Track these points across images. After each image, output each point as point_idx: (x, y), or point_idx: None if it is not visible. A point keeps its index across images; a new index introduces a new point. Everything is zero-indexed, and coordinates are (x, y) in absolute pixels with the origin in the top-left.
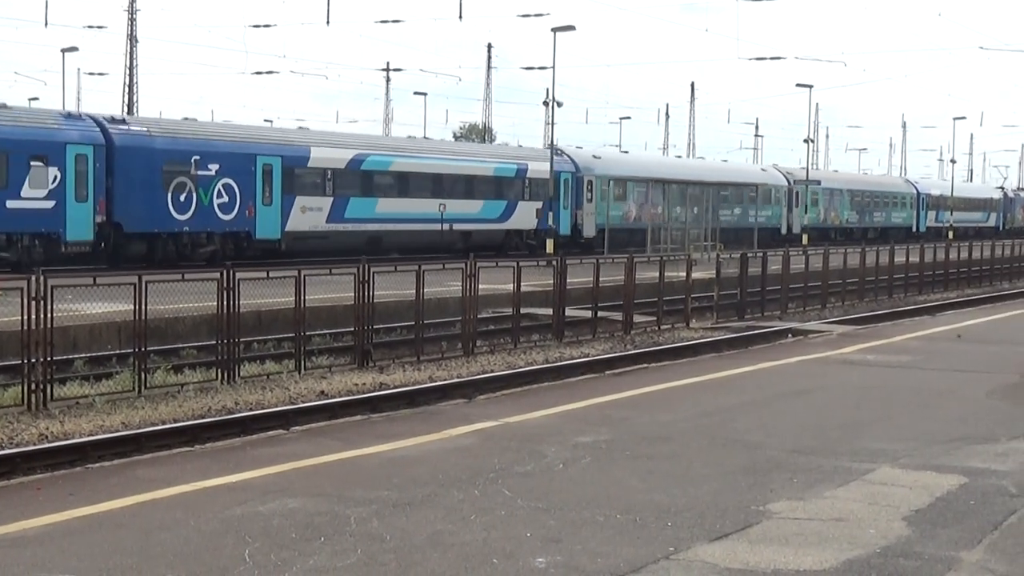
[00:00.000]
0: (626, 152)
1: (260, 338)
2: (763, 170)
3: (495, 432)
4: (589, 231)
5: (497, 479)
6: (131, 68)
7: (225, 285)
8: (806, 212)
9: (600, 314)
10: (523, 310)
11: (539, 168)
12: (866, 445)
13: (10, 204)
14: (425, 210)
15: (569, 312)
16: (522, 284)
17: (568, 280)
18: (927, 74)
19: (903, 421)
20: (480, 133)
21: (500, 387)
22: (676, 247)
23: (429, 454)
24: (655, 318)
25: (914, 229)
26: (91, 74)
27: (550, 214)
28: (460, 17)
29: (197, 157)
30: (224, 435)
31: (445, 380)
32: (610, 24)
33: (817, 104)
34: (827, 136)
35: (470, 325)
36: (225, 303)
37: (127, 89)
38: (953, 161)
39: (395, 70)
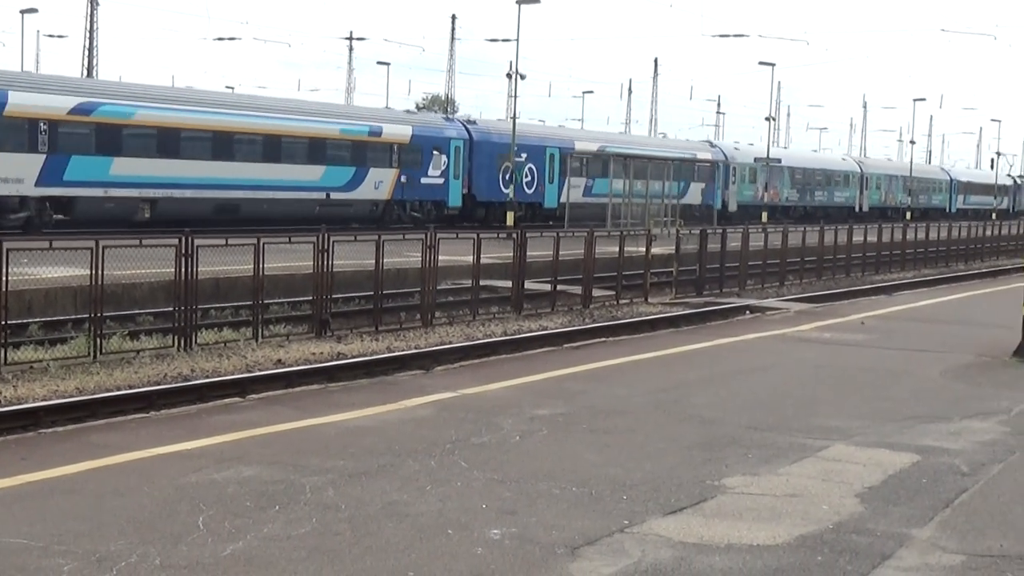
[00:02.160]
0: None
1: (218, 305)
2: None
3: (452, 403)
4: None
5: (453, 450)
6: (91, 31)
7: (183, 251)
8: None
9: (560, 288)
10: (483, 282)
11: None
12: (821, 422)
13: (423, 180)
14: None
15: (529, 285)
16: (482, 256)
17: (529, 253)
18: (888, 55)
19: (858, 399)
20: (443, 104)
21: (458, 359)
22: (636, 222)
23: (386, 424)
24: (614, 293)
25: (947, 210)
26: (51, 36)
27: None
28: None
29: (520, 149)
30: (180, 402)
31: (403, 351)
32: None
33: (779, 83)
34: (788, 115)
35: (429, 296)
36: (183, 270)
37: (87, 52)
38: (912, 142)
39: (358, 39)
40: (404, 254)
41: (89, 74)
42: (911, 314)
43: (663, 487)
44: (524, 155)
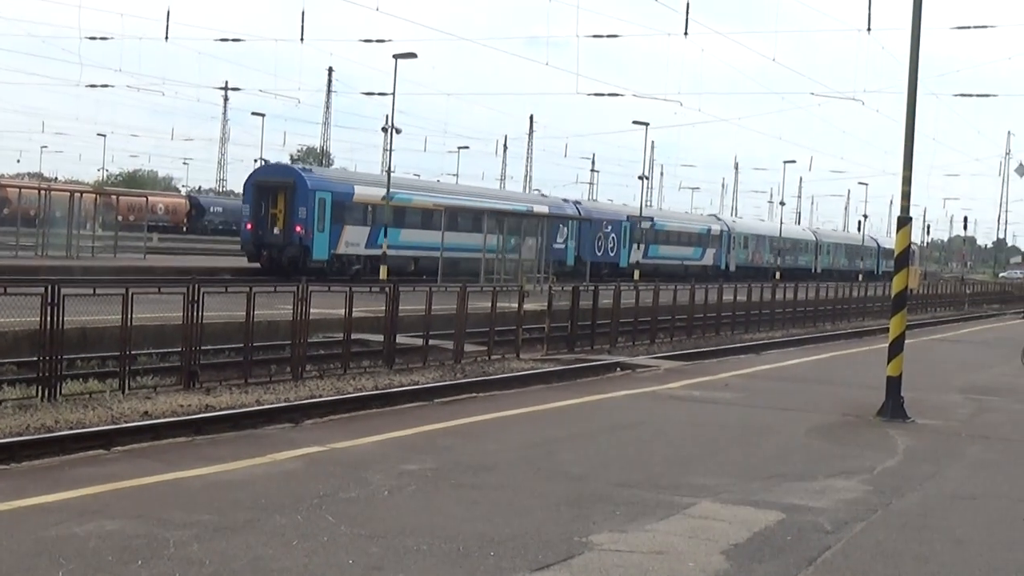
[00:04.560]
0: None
1: (84, 355)
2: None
3: (321, 457)
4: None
5: (321, 505)
6: None
7: (49, 300)
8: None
9: (432, 342)
10: (354, 336)
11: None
12: (688, 480)
13: (554, 246)
14: None
15: (401, 339)
16: (354, 310)
17: (401, 307)
18: (760, 117)
19: (725, 457)
20: (318, 157)
21: (328, 412)
22: (510, 278)
23: (253, 478)
24: (486, 348)
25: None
26: None
27: None
28: (301, 39)
29: (606, 222)
30: (42, 454)
31: (272, 404)
32: (452, 53)
33: (653, 142)
34: (662, 174)
35: (300, 349)
36: (48, 318)
37: None
38: (782, 203)
39: (233, 89)
40: (276, 306)
41: None
42: (778, 373)
43: (531, 543)
44: (609, 227)
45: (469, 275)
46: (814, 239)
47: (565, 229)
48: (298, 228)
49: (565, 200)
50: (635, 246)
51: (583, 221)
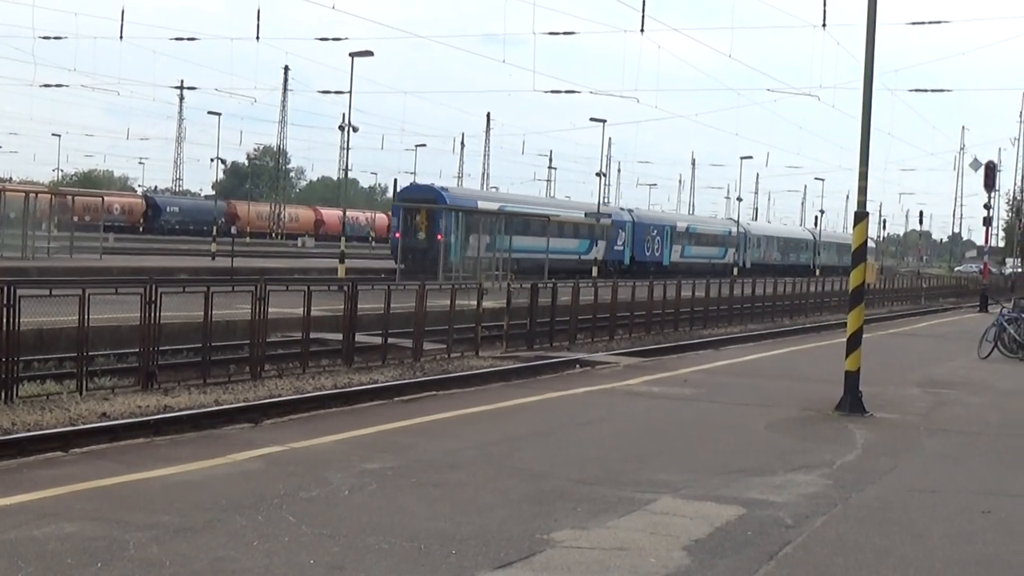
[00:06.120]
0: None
1: (41, 357)
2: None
3: (281, 457)
4: None
5: (281, 505)
6: None
7: (4, 302)
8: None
9: (391, 341)
10: (313, 335)
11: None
12: (649, 476)
13: (615, 248)
14: None
15: (360, 338)
16: (313, 308)
17: (360, 306)
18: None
19: (685, 452)
20: (274, 155)
21: (287, 412)
22: (468, 275)
23: (212, 479)
24: (445, 346)
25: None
26: None
27: None
28: (257, 38)
29: (653, 227)
30: None
31: (231, 404)
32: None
33: (610, 139)
34: (619, 171)
35: (259, 349)
36: (4, 320)
37: None
38: (739, 199)
39: (189, 88)
40: (234, 306)
41: None
42: (738, 368)
43: (492, 541)
44: (655, 231)
45: (564, 273)
46: (812, 239)
47: (624, 234)
48: (439, 236)
49: (622, 209)
50: (674, 247)
51: (636, 226)
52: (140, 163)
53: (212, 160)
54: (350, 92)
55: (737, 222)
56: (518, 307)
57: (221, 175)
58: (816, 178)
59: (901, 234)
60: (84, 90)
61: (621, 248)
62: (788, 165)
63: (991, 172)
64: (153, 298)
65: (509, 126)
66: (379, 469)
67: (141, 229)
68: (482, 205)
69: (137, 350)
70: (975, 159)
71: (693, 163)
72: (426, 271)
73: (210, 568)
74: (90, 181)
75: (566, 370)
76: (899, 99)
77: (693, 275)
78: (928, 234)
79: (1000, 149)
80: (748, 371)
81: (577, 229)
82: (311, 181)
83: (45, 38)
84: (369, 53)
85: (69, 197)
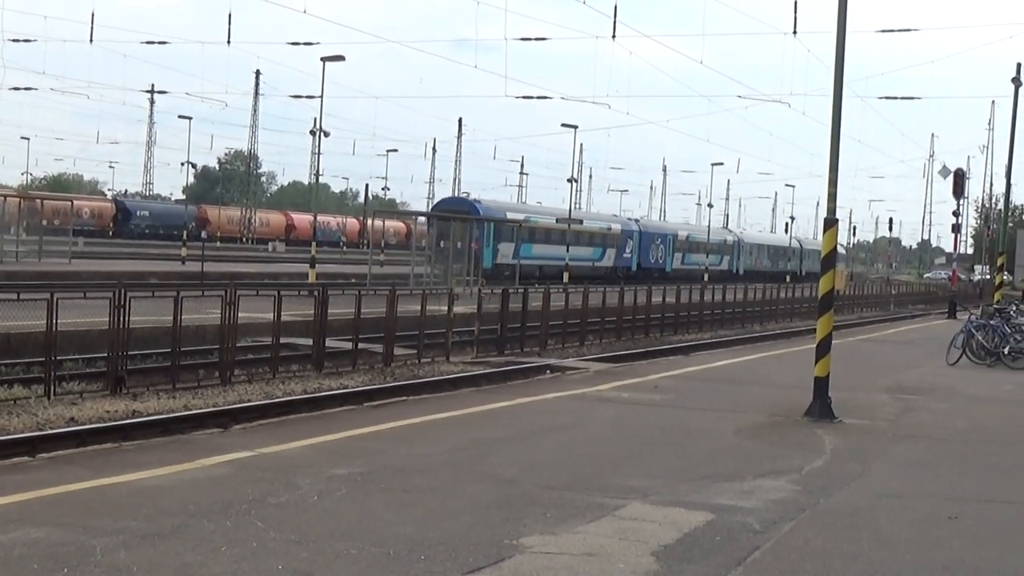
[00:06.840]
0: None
1: (9, 361)
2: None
3: (249, 462)
4: None
5: (250, 510)
6: None
7: None
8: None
9: (361, 346)
10: (283, 339)
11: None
12: (618, 481)
13: (624, 255)
14: None
15: (330, 343)
16: (283, 313)
17: (330, 311)
18: (688, 120)
19: (654, 458)
20: (246, 160)
21: (257, 417)
22: (439, 281)
23: (181, 484)
24: (416, 351)
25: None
26: None
27: None
28: (228, 42)
29: (657, 236)
30: None
31: (200, 409)
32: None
33: (581, 144)
34: (591, 176)
35: (228, 354)
36: None
37: None
38: (710, 205)
39: (160, 92)
40: (204, 311)
41: None
42: (708, 374)
43: (461, 547)
44: (659, 240)
45: (582, 278)
46: (799, 247)
47: (631, 242)
48: (474, 244)
49: (629, 218)
50: (676, 255)
51: (643, 235)
52: (110, 167)
53: (183, 164)
54: (321, 97)
55: (731, 231)
56: (489, 312)
57: (192, 179)
58: (787, 184)
59: (871, 241)
60: (53, 93)
61: (629, 256)
62: (759, 171)
63: (960, 180)
64: (122, 302)
65: (480, 131)
66: (348, 474)
67: (111, 233)
68: (510, 216)
69: (106, 355)
70: (944, 166)
71: (664, 169)
72: (460, 275)
73: (177, 574)
74: (60, 185)
75: (537, 375)
76: (869, 106)
77: (691, 281)
78: (898, 241)
79: (969, 157)
80: (718, 377)
81: (592, 238)
82: (282, 186)
83: (14, 40)
84: (340, 58)
85: (38, 201)
